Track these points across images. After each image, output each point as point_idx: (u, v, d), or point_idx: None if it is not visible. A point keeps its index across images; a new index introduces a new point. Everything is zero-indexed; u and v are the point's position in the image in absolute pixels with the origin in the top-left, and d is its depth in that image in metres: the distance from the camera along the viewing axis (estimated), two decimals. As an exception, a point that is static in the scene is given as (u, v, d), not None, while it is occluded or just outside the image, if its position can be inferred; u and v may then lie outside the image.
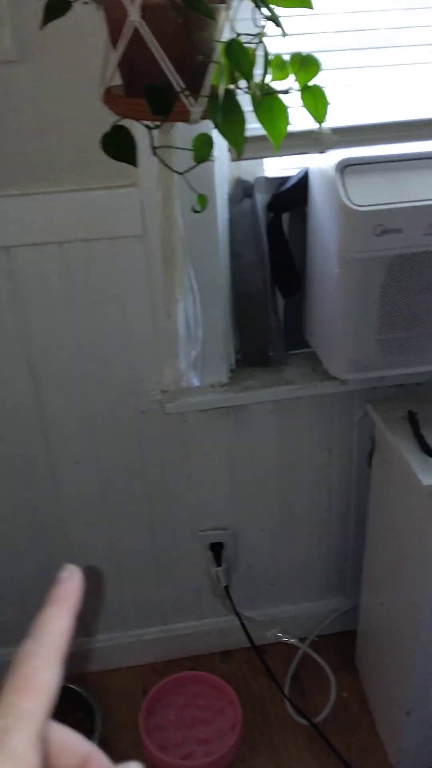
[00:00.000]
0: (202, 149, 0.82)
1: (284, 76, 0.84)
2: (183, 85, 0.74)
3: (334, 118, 1.01)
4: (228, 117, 0.75)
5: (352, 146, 1.02)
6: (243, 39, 0.77)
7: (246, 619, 1.49)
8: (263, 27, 0.76)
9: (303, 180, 1.12)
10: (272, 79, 0.84)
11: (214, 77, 0.74)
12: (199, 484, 1.37)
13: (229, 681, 1.45)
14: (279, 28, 0.77)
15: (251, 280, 1.19)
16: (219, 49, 0.76)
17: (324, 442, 1.37)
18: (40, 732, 0.25)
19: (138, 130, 0.79)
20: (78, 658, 1.53)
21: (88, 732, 1.38)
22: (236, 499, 1.40)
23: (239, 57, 0.75)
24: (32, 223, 1.08)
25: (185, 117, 0.77)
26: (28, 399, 1.22)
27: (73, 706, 1.43)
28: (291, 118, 0.86)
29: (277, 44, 0.82)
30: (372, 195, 0.96)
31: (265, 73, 0.77)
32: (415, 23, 1.06)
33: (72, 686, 1.44)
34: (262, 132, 0.85)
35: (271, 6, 0.76)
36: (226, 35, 0.77)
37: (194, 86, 0.76)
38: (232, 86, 0.81)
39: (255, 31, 0.77)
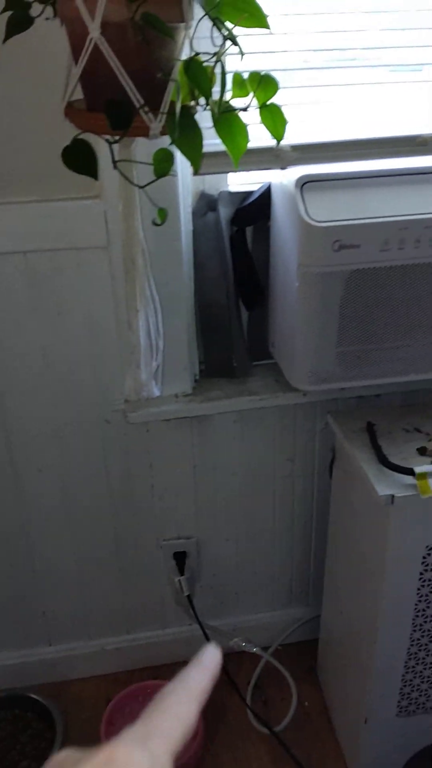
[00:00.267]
0: (163, 164, 0.83)
1: (244, 94, 0.86)
2: (142, 101, 0.76)
3: (294, 136, 1.04)
4: (185, 133, 0.76)
5: (312, 163, 1.04)
6: (202, 57, 0.79)
7: (209, 628, 1.50)
8: (221, 46, 0.78)
9: (265, 195, 1.15)
10: (233, 97, 0.86)
11: (173, 94, 0.76)
12: (163, 494, 1.38)
13: (192, 690, 1.45)
14: (237, 47, 0.79)
15: (215, 292, 1.21)
16: (178, 66, 0.78)
17: (287, 453, 1.39)
18: (172, 751, 0.29)
19: (101, 143, 0.80)
20: (40, 668, 1.53)
21: (49, 742, 1.37)
22: (200, 509, 1.41)
23: (198, 75, 0.77)
24: (-3, 233, 1.08)
25: (145, 132, 0.78)
26: (-9, 407, 1.22)
27: (35, 716, 1.42)
28: (251, 135, 0.89)
29: (239, 62, 0.85)
30: (330, 211, 0.99)
31: (223, 90, 0.79)
32: (374, 44, 1.10)
33: (34, 696, 1.43)
34: (223, 148, 0.87)
35: (229, 25, 0.78)
36: (185, 53, 0.79)
37: (154, 102, 0.78)
38: (192, 103, 0.83)
39: (214, 49, 0.79)
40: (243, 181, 1.20)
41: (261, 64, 1.04)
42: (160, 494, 1.38)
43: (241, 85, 0.85)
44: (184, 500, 1.40)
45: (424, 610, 1.14)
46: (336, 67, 1.13)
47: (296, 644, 1.61)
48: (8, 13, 0.77)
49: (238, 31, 0.80)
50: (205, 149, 0.98)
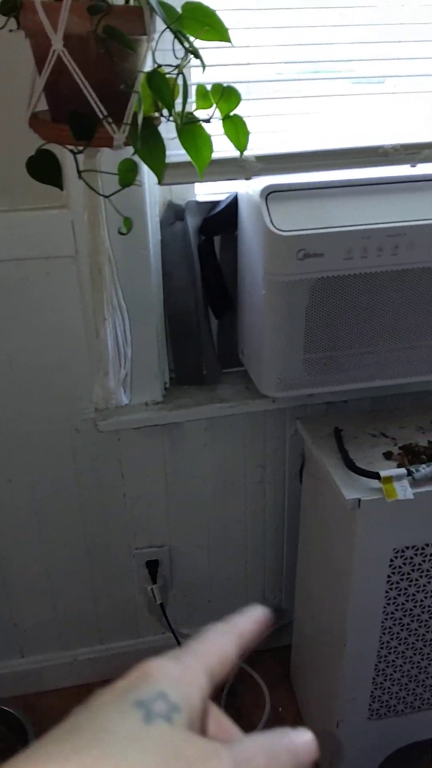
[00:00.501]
0: (127, 174, 0.84)
1: (208, 105, 0.87)
2: (106, 112, 0.77)
3: (259, 147, 1.06)
4: (147, 144, 0.77)
5: (277, 173, 1.06)
6: (166, 69, 0.80)
7: (182, 637, 1.50)
8: (183, 58, 0.80)
9: (232, 204, 1.16)
10: (196, 108, 0.88)
11: (135, 105, 0.77)
12: (135, 502, 1.38)
13: (165, 699, 1.45)
14: (199, 60, 0.81)
15: (183, 301, 1.22)
16: (141, 78, 0.79)
17: (258, 459, 1.40)
18: (207, 671, 0.28)
19: (66, 154, 0.81)
20: (12, 680, 1.51)
21: (21, 755, 1.36)
22: (172, 517, 1.42)
23: (161, 87, 0.78)
24: (-36, 242, 1.08)
25: (109, 143, 0.79)
26: (-40, 417, 1.22)
27: (6, 729, 1.41)
28: (216, 146, 0.90)
29: (210, 74, 0.86)
30: (295, 221, 1.00)
31: (185, 102, 0.81)
32: (338, 57, 1.12)
33: (6, 708, 1.42)
34: (188, 158, 0.89)
35: (191, 38, 0.79)
36: (148, 65, 0.80)
37: (117, 113, 0.79)
38: (156, 114, 0.84)
39: (177, 62, 0.81)
40: (210, 191, 1.21)
41: (226, 76, 1.06)
42: (131, 503, 1.38)
43: (204, 96, 0.86)
44: (156, 508, 1.40)
45: (392, 613, 1.16)
46: (300, 79, 1.15)
47: (270, 651, 1.61)
48: (-29, 25, 0.78)
49: (206, 43, 0.81)
50: (171, 159, 0.99)
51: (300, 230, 1.00)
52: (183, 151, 0.88)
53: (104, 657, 1.54)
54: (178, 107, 0.81)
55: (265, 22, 1.07)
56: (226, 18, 0.81)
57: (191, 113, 0.86)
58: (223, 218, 1.18)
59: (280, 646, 1.60)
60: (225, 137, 0.90)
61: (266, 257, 1.02)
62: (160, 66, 0.79)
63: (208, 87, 0.86)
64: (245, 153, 0.91)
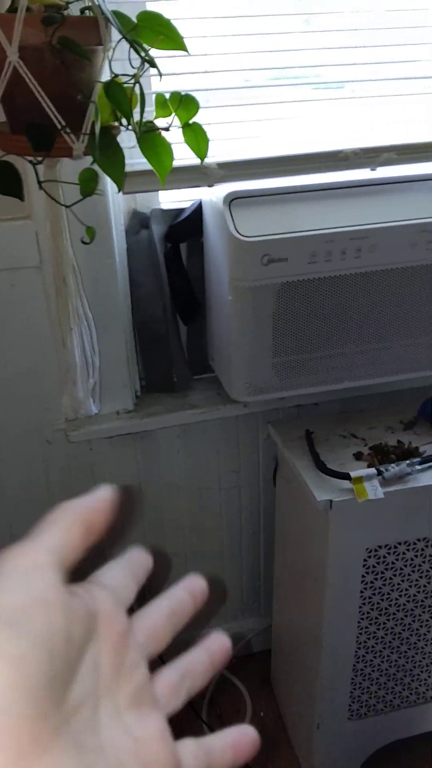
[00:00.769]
0: (88, 183, 0.85)
1: (167, 114, 0.88)
2: (64, 123, 0.77)
3: (221, 153, 1.06)
4: (106, 153, 0.78)
5: (239, 180, 1.07)
6: (123, 78, 0.81)
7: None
8: (140, 68, 0.80)
9: (197, 212, 1.17)
10: (156, 117, 0.88)
11: (93, 115, 0.77)
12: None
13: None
14: (156, 69, 0.81)
15: (151, 308, 1.22)
16: (98, 88, 0.79)
17: (231, 464, 1.40)
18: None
19: (27, 165, 0.81)
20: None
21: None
22: (148, 525, 1.41)
23: (118, 96, 0.79)
24: None
25: (68, 153, 0.79)
26: None
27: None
28: (177, 154, 0.90)
29: (169, 83, 0.87)
30: (259, 226, 1.01)
31: (143, 111, 0.81)
32: (297, 63, 1.13)
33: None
34: (150, 166, 0.89)
35: (147, 48, 0.80)
36: (105, 75, 0.81)
37: (76, 123, 0.79)
38: (115, 123, 0.84)
39: (134, 71, 0.81)
40: (175, 199, 1.22)
41: (189, 85, 1.06)
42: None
43: (163, 105, 0.87)
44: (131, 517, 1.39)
45: (368, 613, 1.17)
46: (261, 86, 1.16)
47: (251, 656, 1.61)
48: None
49: (168, 52, 0.82)
50: (132, 168, 1.00)
51: (264, 236, 1.00)
52: (144, 160, 0.89)
53: (84, 669, 1.53)
54: (136, 116, 0.81)
55: (227, 30, 1.08)
56: (189, 26, 0.82)
57: (150, 122, 0.86)
58: (188, 225, 1.18)
59: (260, 651, 1.60)
60: (185, 145, 0.91)
61: (231, 263, 1.02)
62: (117, 76, 0.80)
63: (167, 95, 0.87)
64: (207, 160, 0.92)
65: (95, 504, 0.28)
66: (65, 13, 0.76)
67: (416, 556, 1.14)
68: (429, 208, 1.06)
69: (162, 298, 1.21)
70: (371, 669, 1.24)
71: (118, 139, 0.83)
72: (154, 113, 0.88)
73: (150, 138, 0.85)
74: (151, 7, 1.00)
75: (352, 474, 1.03)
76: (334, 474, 1.06)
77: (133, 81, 0.79)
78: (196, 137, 0.88)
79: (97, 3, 0.74)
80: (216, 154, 1.03)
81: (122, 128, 0.84)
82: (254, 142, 1.15)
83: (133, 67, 0.80)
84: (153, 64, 0.79)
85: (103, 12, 0.75)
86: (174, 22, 0.79)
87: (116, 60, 0.84)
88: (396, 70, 1.17)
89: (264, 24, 1.10)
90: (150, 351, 1.28)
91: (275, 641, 1.50)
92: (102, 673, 0.25)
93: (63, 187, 0.90)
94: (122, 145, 0.83)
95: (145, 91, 0.83)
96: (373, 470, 1.05)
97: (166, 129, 0.85)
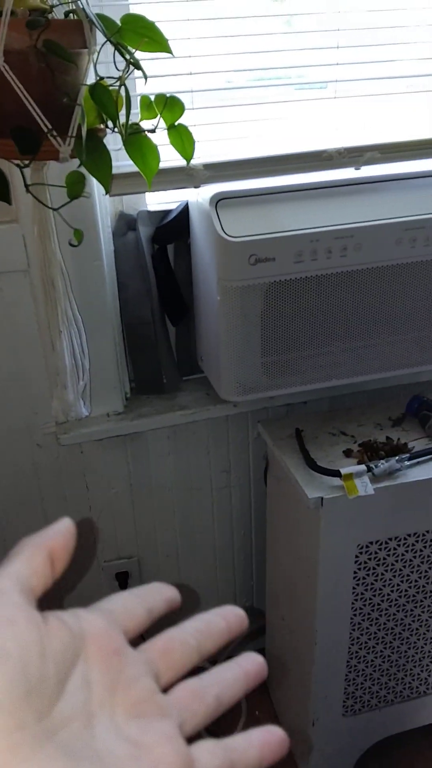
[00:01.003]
0: (75, 186, 0.85)
1: (152, 116, 0.88)
2: (50, 126, 0.77)
3: (207, 155, 1.07)
4: (93, 155, 0.78)
5: (225, 181, 1.07)
6: (108, 81, 0.81)
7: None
8: (125, 70, 0.80)
9: (183, 213, 1.17)
10: (141, 119, 0.89)
11: (79, 118, 0.78)
12: (101, 514, 1.38)
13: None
14: (141, 71, 0.82)
15: (139, 310, 1.22)
16: (84, 91, 0.79)
17: (222, 464, 1.40)
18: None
19: (13, 168, 0.81)
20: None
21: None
22: (139, 527, 1.41)
23: (103, 99, 0.79)
24: None
25: (55, 156, 0.80)
26: None
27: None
28: (163, 155, 0.91)
29: (153, 85, 0.87)
30: (245, 226, 1.02)
31: (128, 113, 0.81)
32: (281, 64, 1.14)
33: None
34: (136, 168, 0.90)
35: (132, 50, 0.80)
36: (90, 78, 0.81)
37: (62, 126, 0.79)
38: (101, 126, 0.85)
39: (119, 73, 0.82)
40: (161, 200, 1.22)
41: (175, 86, 1.07)
42: (97, 515, 1.37)
43: (148, 107, 0.87)
44: (122, 520, 1.39)
45: (360, 609, 1.17)
46: (245, 87, 1.17)
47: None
48: None
49: (153, 54, 0.82)
50: (119, 170, 1.00)
51: (250, 236, 1.01)
52: (131, 162, 0.89)
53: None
54: (122, 118, 0.82)
55: (210, 32, 1.09)
56: (171, 28, 0.82)
57: (136, 124, 0.87)
58: (175, 227, 1.19)
59: (254, 650, 1.60)
60: (170, 147, 0.91)
61: (219, 264, 1.03)
62: (102, 78, 0.80)
63: (153, 97, 0.88)
64: (192, 161, 0.93)
65: (55, 534, 0.29)
66: (50, 16, 0.76)
67: (407, 551, 1.15)
68: (413, 206, 1.07)
69: (150, 299, 1.22)
70: (365, 665, 1.25)
71: (104, 141, 0.83)
72: (140, 115, 0.88)
73: (136, 140, 0.86)
74: (134, 10, 1.01)
75: (343, 471, 1.04)
76: (325, 471, 1.06)
77: (118, 83, 0.79)
78: (182, 139, 0.89)
79: (81, 6, 0.75)
80: (201, 156, 1.03)
81: (108, 131, 0.84)
82: (239, 143, 1.15)
83: (118, 70, 0.80)
84: (138, 67, 0.80)
85: (88, 15, 0.75)
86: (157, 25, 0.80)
87: (101, 63, 0.84)
88: (378, 70, 1.18)
89: (246, 25, 1.11)
90: (139, 353, 1.28)
91: (269, 640, 1.50)
92: (94, 689, 0.26)
93: (50, 190, 0.90)
94: (108, 147, 0.83)
95: (131, 94, 0.84)
96: (363, 467, 1.06)
97: (152, 131, 0.85)
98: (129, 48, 0.80)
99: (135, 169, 0.90)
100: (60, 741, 0.23)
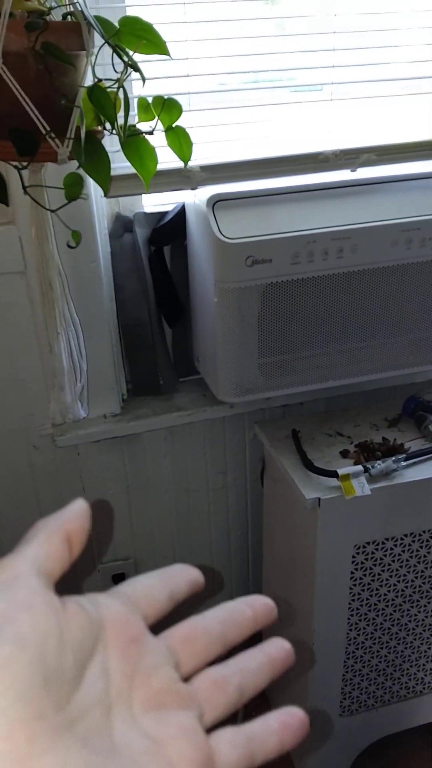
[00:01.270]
0: (73, 188, 0.85)
1: (150, 118, 0.89)
2: (48, 128, 0.77)
3: (203, 156, 1.07)
4: (91, 157, 0.78)
5: (222, 182, 1.07)
6: (106, 83, 0.81)
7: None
8: (123, 72, 0.81)
9: (180, 215, 1.17)
10: (139, 121, 0.89)
11: (77, 119, 0.78)
12: (97, 516, 1.37)
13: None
14: (139, 73, 0.82)
15: (136, 312, 1.23)
16: (82, 93, 0.79)
17: (218, 466, 1.41)
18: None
19: (11, 170, 0.81)
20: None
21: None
22: (136, 529, 1.41)
23: (101, 101, 0.79)
24: None
25: (53, 158, 0.80)
26: None
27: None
28: (160, 157, 0.91)
29: (149, 87, 0.87)
30: (242, 228, 1.02)
31: (127, 115, 0.82)
32: (276, 66, 1.15)
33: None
34: (134, 170, 0.90)
35: (130, 52, 0.80)
36: (88, 80, 0.81)
37: (61, 128, 0.79)
38: (99, 128, 0.85)
39: (117, 75, 0.82)
40: (158, 202, 1.22)
41: (171, 89, 1.07)
42: (94, 517, 1.37)
43: (146, 109, 0.87)
44: (119, 521, 1.39)
45: (357, 609, 1.18)
46: (242, 89, 1.17)
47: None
48: None
49: (149, 56, 0.82)
50: (116, 172, 1.00)
51: (247, 237, 1.01)
52: (128, 164, 0.89)
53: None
54: (120, 120, 0.82)
55: (206, 34, 1.09)
56: (167, 31, 0.83)
57: (134, 126, 0.87)
58: (171, 228, 1.19)
59: (250, 651, 1.61)
60: (167, 148, 0.91)
61: (216, 265, 1.03)
62: (100, 80, 0.80)
63: (150, 99, 0.88)
64: (190, 163, 0.93)
65: (70, 515, 0.28)
66: (48, 18, 0.76)
67: (403, 551, 1.15)
68: (409, 208, 1.08)
69: (147, 301, 1.22)
70: (362, 665, 1.25)
71: (102, 143, 0.83)
72: (137, 117, 0.89)
73: (134, 142, 0.86)
74: (131, 12, 1.01)
75: (340, 471, 1.04)
76: (322, 472, 1.07)
77: (116, 85, 0.79)
78: (180, 140, 0.89)
79: (79, 8, 0.75)
80: (198, 157, 1.04)
81: (106, 132, 0.84)
82: (236, 145, 1.16)
83: (116, 72, 0.80)
84: (136, 68, 0.80)
85: (86, 17, 0.75)
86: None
87: (99, 65, 0.85)
88: (373, 72, 1.19)
89: (242, 28, 1.11)
90: (135, 354, 1.28)
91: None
92: (113, 679, 0.25)
93: (48, 191, 0.90)
94: (106, 149, 0.83)
95: (128, 96, 0.84)
96: (359, 467, 1.06)
97: (150, 133, 0.85)
98: (127, 50, 0.80)
99: (132, 170, 0.90)
100: (78, 733, 0.23)
